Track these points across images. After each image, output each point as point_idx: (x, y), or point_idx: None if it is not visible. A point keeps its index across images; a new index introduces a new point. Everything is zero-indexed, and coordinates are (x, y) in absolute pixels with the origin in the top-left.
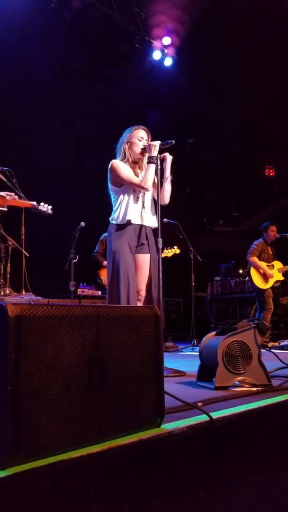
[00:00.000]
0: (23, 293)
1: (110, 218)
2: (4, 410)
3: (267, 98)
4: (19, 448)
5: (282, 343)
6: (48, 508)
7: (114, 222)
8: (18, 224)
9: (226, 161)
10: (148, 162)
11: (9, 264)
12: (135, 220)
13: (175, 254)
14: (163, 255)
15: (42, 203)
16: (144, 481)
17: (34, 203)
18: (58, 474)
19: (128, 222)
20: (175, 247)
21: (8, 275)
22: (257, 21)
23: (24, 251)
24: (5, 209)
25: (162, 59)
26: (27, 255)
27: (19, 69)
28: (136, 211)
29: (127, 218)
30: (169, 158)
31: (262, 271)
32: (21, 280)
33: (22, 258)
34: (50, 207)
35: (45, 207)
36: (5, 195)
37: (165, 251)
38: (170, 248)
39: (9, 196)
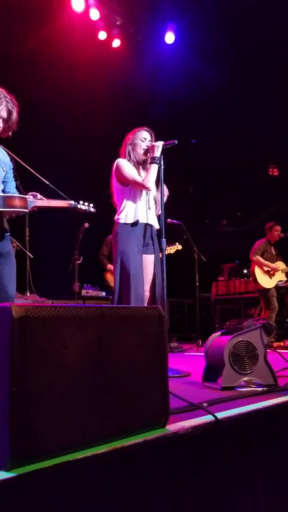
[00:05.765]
0: (28, 294)
1: (115, 218)
2: (8, 411)
3: (271, 97)
4: (23, 449)
5: None
6: (53, 509)
7: (121, 221)
8: (22, 225)
9: (229, 161)
10: (151, 163)
11: None
12: (142, 219)
13: (178, 251)
14: (166, 252)
15: (81, 202)
16: (149, 482)
17: (72, 202)
18: (62, 475)
19: (137, 222)
20: (177, 243)
21: None
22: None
23: (28, 253)
24: (27, 210)
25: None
26: (31, 256)
27: None
28: (143, 210)
29: (136, 217)
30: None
31: (266, 269)
32: (25, 281)
33: (27, 260)
34: (91, 205)
35: (85, 206)
36: (27, 196)
37: (167, 248)
38: (172, 245)
39: (32, 197)
